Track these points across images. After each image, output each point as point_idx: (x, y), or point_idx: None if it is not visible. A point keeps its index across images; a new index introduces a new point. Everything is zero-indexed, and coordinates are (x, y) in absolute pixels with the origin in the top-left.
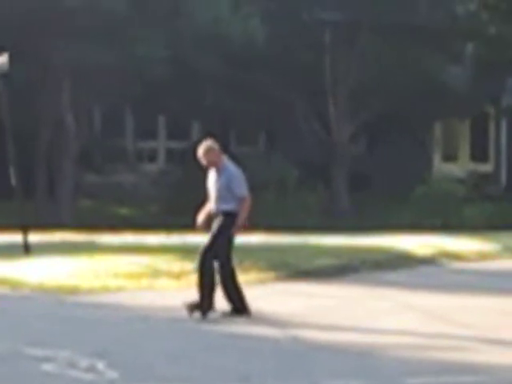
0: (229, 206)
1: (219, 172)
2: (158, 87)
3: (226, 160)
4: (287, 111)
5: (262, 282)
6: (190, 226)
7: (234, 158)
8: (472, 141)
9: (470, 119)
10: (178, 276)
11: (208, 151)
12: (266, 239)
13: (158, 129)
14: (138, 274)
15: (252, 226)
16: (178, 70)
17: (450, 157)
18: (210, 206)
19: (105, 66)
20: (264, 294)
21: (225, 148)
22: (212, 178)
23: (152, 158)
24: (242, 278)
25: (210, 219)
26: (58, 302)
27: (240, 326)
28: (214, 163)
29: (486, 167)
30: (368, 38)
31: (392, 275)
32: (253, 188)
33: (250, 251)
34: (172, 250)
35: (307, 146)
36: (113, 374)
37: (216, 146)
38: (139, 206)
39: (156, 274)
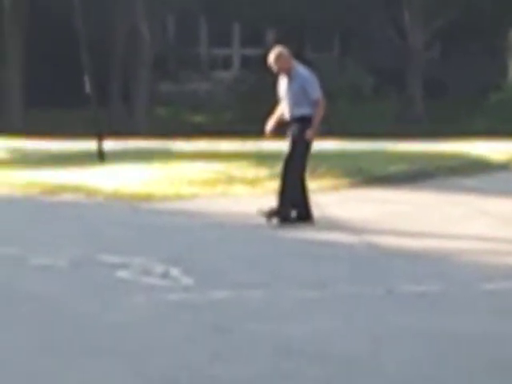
0: (304, 111)
1: (291, 78)
2: None
3: (297, 65)
4: (362, 18)
5: (336, 188)
6: (261, 133)
7: (308, 63)
8: None
9: None
10: (252, 182)
11: (278, 57)
12: (341, 146)
13: (233, 36)
14: (212, 181)
15: (327, 133)
16: None
17: None
18: (283, 112)
19: None
20: (338, 200)
21: (298, 54)
22: (283, 84)
23: (226, 65)
24: (316, 184)
25: (280, 126)
26: (132, 210)
27: (315, 233)
28: (284, 69)
29: None
30: None
31: (467, 181)
32: (327, 94)
33: (325, 158)
34: (246, 156)
35: (382, 52)
36: (188, 281)
37: (286, 51)
38: (214, 113)
39: (230, 180)
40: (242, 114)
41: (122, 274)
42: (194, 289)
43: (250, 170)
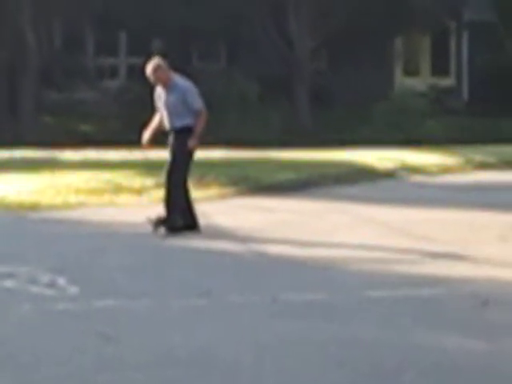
0: (185, 122)
1: (169, 89)
2: (119, 2)
3: (175, 76)
4: (248, 26)
5: (222, 197)
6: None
7: (195, 73)
8: (433, 55)
9: (431, 33)
10: (139, 191)
11: (155, 69)
12: (227, 155)
13: (119, 45)
14: (99, 190)
15: (213, 142)
16: None
17: (411, 71)
18: (162, 122)
19: None
20: (225, 208)
21: (185, 63)
22: (161, 95)
23: (113, 74)
24: (203, 193)
25: (157, 135)
26: (19, 219)
27: (201, 241)
28: (162, 81)
29: (448, 81)
30: None
31: (353, 189)
32: (214, 104)
33: (211, 166)
34: (133, 165)
35: (269, 61)
36: (74, 290)
37: (163, 63)
38: (101, 122)
39: (117, 189)
40: (129, 123)
41: (8, 283)
42: (80, 298)
43: (136, 179)
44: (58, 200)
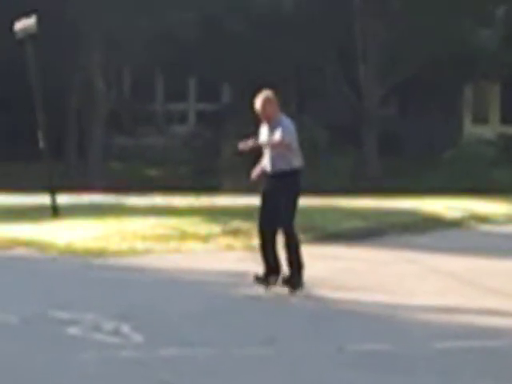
0: (288, 165)
1: (272, 127)
2: (188, 49)
3: (282, 115)
4: (318, 75)
5: None
6: (217, 187)
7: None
8: (502, 103)
9: (500, 82)
10: (205, 238)
11: (266, 101)
12: None
13: (188, 91)
14: (165, 237)
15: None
16: (207, 33)
17: (480, 119)
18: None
19: (135, 28)
20: None
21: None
22: (263, 133)
23: (182, 120)
24: None
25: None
26: (85, 265)
27: (266, 290)
28: (268, 115)
29: None
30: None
31: (420, 238)
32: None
33: None
34: (200, 212)
35: (338, 109)
36: (138, 338)
37: (274, 96)
38: (169, 168)
39: (184, 236)
40: (197, 169)
41: (72, 330)
42: (143, 346)
43: (202, 226)
44: (124, 246)
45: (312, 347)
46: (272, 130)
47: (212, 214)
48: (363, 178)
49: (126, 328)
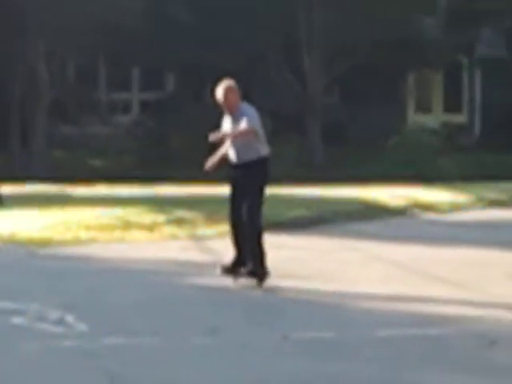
0: (254, 155)
1: (235, 118)
2: (132, 38)
3: (244, 104)
4: (261, 64)
5: None
6: (162, 178)
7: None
8: (445, 92)
9: (443, 70)
10: (150, 228)
11: (228, 91)
12: None
13: (132, 80)
14: (109, 226)
15: (224, 178)
16: (152, 21)
17: (423, 108)
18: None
19: (79, 16)
20: None
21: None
22: (227, 124)
23: (126, 109)
24: (214, 229)
25: (221, 165)
26: (29, 254)
27: (210, 279)
28: (230, 106)
29: (460, 118)
30: None
31: (363, 226)
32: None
33: (222, 203)
34: (144, 202)
35: (282, 98)
36: (82, 327)
37: (235, 85)
38: (112, 157)
39: (128, 226)
40: (141, 159)
41: (16, 320)
42: (88, 335)
43: (147, 216)
44: (68, 236)
45: (257, 336)
46: (235, 119)
47: (156, 203)
48: (307, 166)
49: (70, 318)
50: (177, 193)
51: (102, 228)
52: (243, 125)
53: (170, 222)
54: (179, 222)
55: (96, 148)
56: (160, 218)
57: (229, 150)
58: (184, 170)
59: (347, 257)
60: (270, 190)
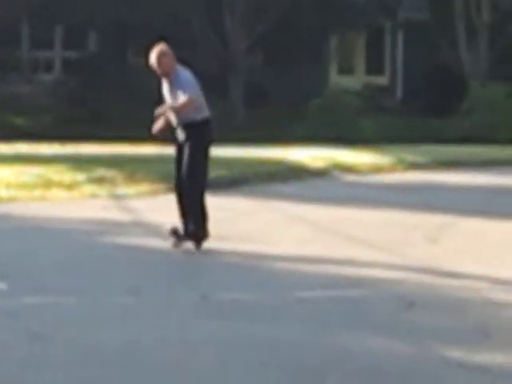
0: (192, 116)
1: (172, 81)
2: None
3: (178, 67)
4: (183, 23)
5: (153, 193)
6: (83, 137)
7: (130, 69)
8: (368, 54)
9: (366, 32)
10: (70, 187)
11: (161, 55)
12: (159, 150)
13: (54, 38)
14: (30, 185)
15: (144, 138)
16: None
17: (345, 70)
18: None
19: None
20: (156, 205)
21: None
22: (165, 88)
23: (48, 67)
24: (134, 189)
25: (167, 128)
26: None
27: (131, 238)
28: (165, 69)
29: (382, 80)
30: None
31: (284, 187)
32: (148, 99)
33: (143, 162)
34: (65, 160)
35: (203, 57)
36: (2, 286)
37: (169, 49)
38: (34, 116)
39: (48, 184)
40: (63, 117)
41: None
42: (8, 294)
43: (67, 174)
44: None
45: (177, 296)
46: (172, 84)
47: (77, 162)
48: (229, 127)
49: None
50: (98, 152)
51: (23, 186)
52: (182, 98)
53: (91, 180)
54: (100, 180)
55: (18, 107)
56: (80, 176)
57: (170, 114)
58: (105, 130)
59: (268, 218)
60: None
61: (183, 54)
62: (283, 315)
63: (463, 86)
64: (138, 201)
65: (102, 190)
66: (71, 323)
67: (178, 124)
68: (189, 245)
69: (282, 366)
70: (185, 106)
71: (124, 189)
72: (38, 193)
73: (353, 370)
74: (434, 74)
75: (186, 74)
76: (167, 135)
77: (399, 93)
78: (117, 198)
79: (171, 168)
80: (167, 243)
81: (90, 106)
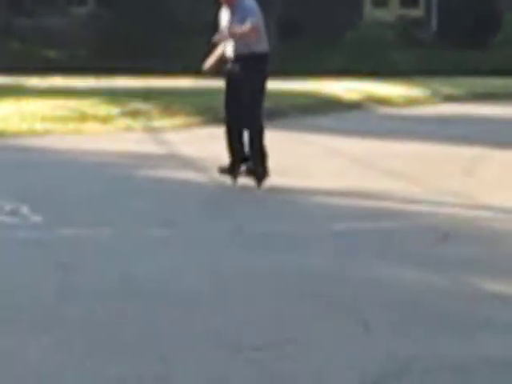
0: (253, 48)
1: (234, 9)
2: None
3: None
4: None
5: (188, 126)
6: (118, 69)
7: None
8: None
9: None
10: (104, 120)
11: None
12: (195, 83)
13: None
14: (65, 118)
15: (182, 70)
16: None
17: (379, 2)
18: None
19: None
20: (191, 138)
21: None
22: (224, 17)
23: (82, 0)
24: (169, 122)
25: (219, 64)
26: None
27: (166, 171)
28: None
29: (416, 12)
30: None
31: (319, 120)
32: (182, 30)
33: (178, 95)
34: (100, 94)
35: None
36: (36, 218)
37: None
38: (69, 49)
39: (83, 117)
40: (97, 51)
41: None
42: (42, 226)
43: (102, 108)
44: (23, 127)
45: (211, 228)
46: (234, 13)
47: (112, 95)
48: None
49: (25, 209)
50: (133, 85)
51: (58, 119)
52: (247, 25)
53: (126, 113)
54: (134, 113)
55: (51, 39)
56: (115, 109)
57: (226, 45)
58: (139, 63)
59: (303, 151)
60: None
61: None
62: (318, 247)
63: (498, 19)
64: (173, 134)
65: (136, 123)
66: (104, 255)
67: (235, 55)
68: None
69: (317, 298)
70: (248, 33)
71: (159, 122)
72: (72, 126)
73: (386, 302)
74: (468, 6)
75: (250, 2)
76: (219, 71)
77: (434, 25)
78: (152, 130)
79: (206, 101)
80: (203, 176)
81: (125, 39)
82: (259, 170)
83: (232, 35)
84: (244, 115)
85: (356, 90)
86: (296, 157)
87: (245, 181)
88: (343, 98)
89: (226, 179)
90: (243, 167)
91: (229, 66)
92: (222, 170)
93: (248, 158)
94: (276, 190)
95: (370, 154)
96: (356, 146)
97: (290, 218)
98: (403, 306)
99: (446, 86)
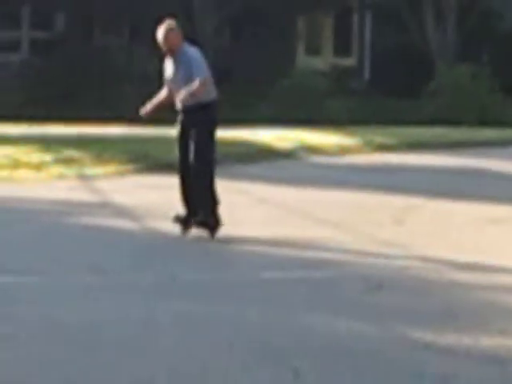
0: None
1: (177, 59)
2: None
3: (185, 44)
4: (152, 3)
5: (121, 174)
6: (50, 118)
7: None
8: (335, 34)
9: (334, 13)
10: (37, 167)
11: (169, 31)
12: (127, 131)
13: (22, 18)
14: None
15: (112, 118)
16: None
17: (313, 50)
18: (171, 99)
19: None
20: (123, 186)
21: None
22: (168, 66)
23: (15, 48)
24: (101, 170)
25: (158, 111)
26: None
27: (99, 219)
28: (172, 46)
29: (349, 61)
30: None
31: (251, 169)
32: (114, 79)
33: (110, 143)
34: (32, 141)
35: None
36: None
37: (176, 26)
38: (1, 95)
39: (16, 164)
40: (30, 98)
41: None
42: None
43: (35, 155)
44: None
45: (142, 276)
46: (177, 63)
47: (45, 142)
48: None
49: None
50: (65, 132)
51: None
52: (196, 83)
53: (59, 161)
54: (67, 161)
55: None
56: (48, 157)
57: (175, 97)
58: (72, 111)
59: (234, 199)
60: (159, 131)
61: (150, 33)
62: (248, 296)
63: (431, 68)
64: (105, 181)
65: (69, 171)
66: (33, 302)
67: (183, 106)
68: (195, 232)
69: (247, 346)
70: (197, 91)
71: (92, 170)
72: (5, 173)
73: (317, 351)
74: (401, 55)
75: (193, 51)
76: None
77: (366, 74)
78: (85, 178)
79: (138, 148)
80: (136, 224)
81: (57, 87)
82: (211, 220)
83: (185, 101)
84: (195, 163)
85: (289, 138)
86: (227, 205)
87: (176, 229)
88: (276, 147)
89: (158, 228)
90: (195, 219)
91: (179, 117)
92: (176, 219)
93: (198, 210)
94: (206, 239)
95: (302, 203)
96: (287, 195)
97: (219, 266)
98: (333, 354)
99: (378, 135)
